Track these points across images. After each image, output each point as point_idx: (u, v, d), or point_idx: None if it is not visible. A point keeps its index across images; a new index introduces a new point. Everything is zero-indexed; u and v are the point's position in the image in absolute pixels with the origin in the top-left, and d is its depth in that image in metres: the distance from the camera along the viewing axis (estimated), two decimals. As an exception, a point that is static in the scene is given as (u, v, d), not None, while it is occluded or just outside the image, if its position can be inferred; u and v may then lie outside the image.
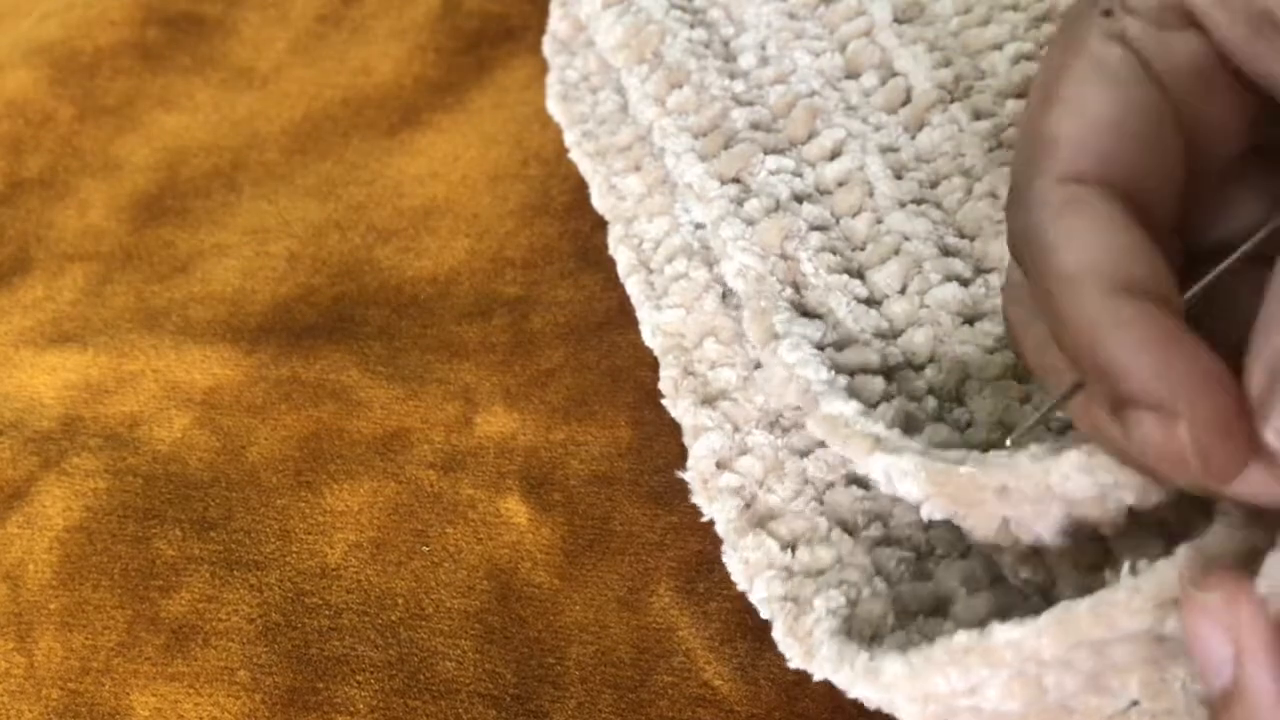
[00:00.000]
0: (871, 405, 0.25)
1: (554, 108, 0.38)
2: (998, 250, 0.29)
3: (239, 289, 0.37)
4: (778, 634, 0.24)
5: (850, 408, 0.24)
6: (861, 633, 0.23)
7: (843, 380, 0.25)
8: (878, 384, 0.25)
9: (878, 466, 0.23)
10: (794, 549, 0.25)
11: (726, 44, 0.36)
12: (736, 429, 0.27)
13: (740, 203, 0.30)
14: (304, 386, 0.33)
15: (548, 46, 0.41)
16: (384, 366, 0.33)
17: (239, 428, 0.33)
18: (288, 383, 0.33)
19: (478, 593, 0.28)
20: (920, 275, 0.28)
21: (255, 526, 0.30)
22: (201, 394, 0.34)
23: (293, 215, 0.39)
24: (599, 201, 0.35)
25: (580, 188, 0.36)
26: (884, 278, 0.29)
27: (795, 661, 0.23)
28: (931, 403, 0.26)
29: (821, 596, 0.23)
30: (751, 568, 0.25)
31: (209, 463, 0.32)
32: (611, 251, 0.34)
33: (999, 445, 0.23)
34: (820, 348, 0.26)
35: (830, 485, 0.26)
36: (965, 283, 0.28)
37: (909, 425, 0.25)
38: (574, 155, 0.37)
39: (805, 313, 0.28)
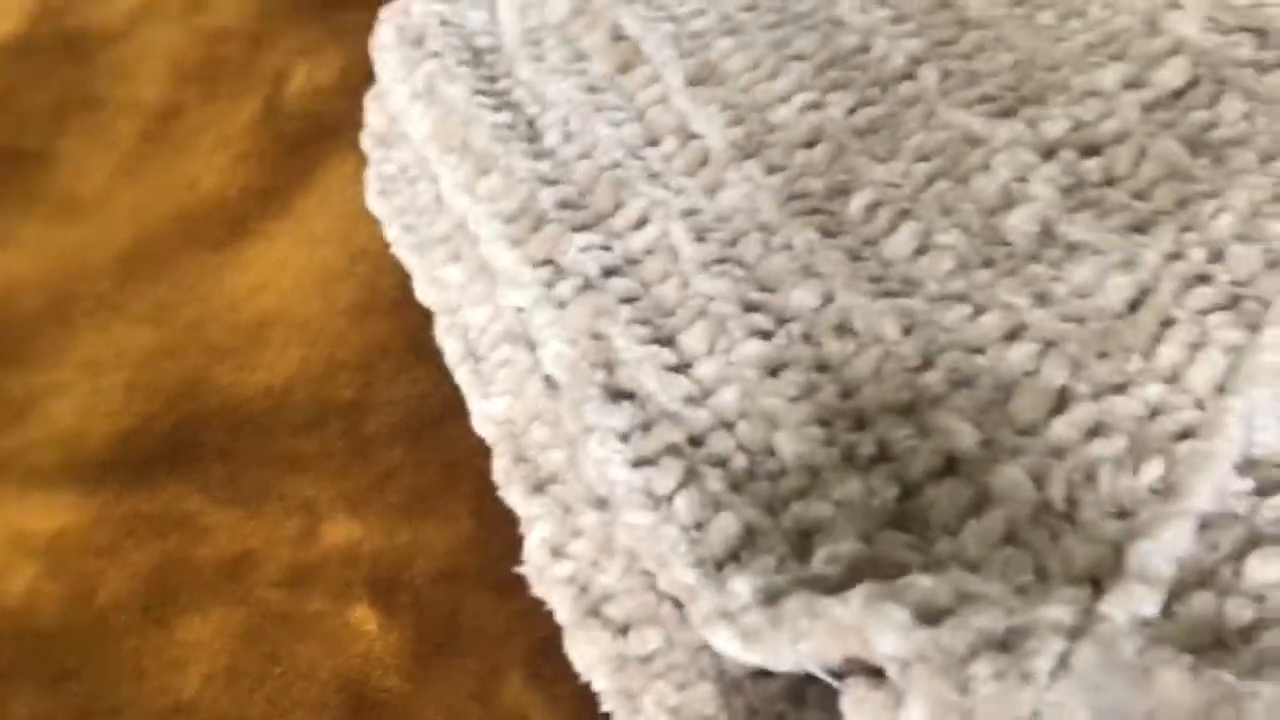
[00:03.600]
0: (667, 497, 0.25)
1: (374, 203, 0.39)
2: (797, 299, 0.29)
3: (77, 428, 0.36)
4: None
5: (645, 519, 0.24)
6: None
7: (640, 479, 0.25)
8: (677, 470, 0.26)
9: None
10: (627, 632, 0.25)
11: (532, 124, 0.36)
12: (568, 511, 0.28)
13: (552, 285, 0.31)
14: (148, 521, 0.33)
15: (366, 142, 0.41)
16: (225, 489, 0.33)
17: (86, 571, 0.32)
18: (131, 519, 0.33)
19: (331, 708, 0.28)
20: (725, 334, 0.29)
21: (109, 672, 0.30)
22: (46, 541, 0.33)
23: (127, 344, 0.39)
24: (423, 294, 0.35)
25: (408, 281, 0.37)
26: (692, 340, 0.29)
27: None
28: (742, 460, 0.26)
29: (650, 693, 0.24)
30: (587, 661, 0.25)
31: (58, 612, 0.32)
32: (439, 343, 0.34)
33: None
34: (627, 436, 0.27)
35: (656, 557, 0.26)
36: (767, 335, 0.29)
37: (704, 510, 0.25)
38: (396, 249, 0.37)
39: (618, 393, 0.28)
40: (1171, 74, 0.32)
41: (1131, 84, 0.32)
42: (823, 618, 0.21)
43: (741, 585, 0.23)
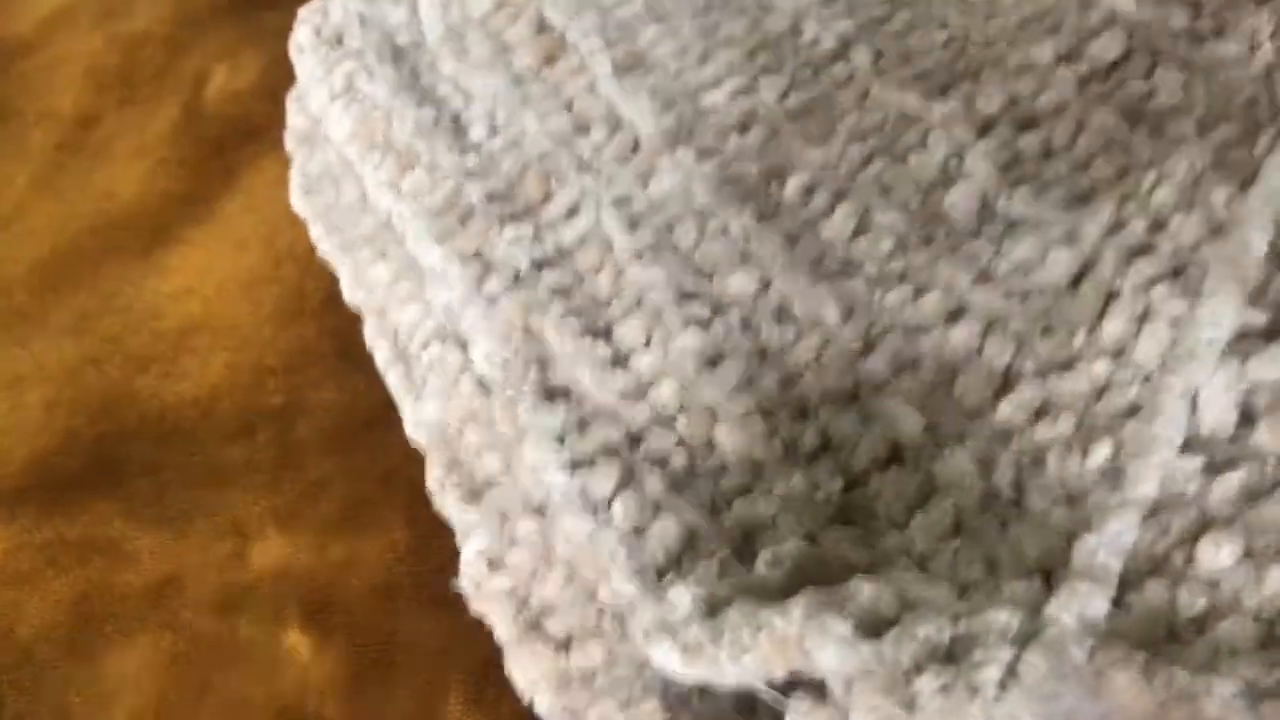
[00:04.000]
0: (605, 501, 0.24)
1: (298, 204, 0.37)
2: (735, 285, 0.29)
3: (-5, 449, 0.35)
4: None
5: (582, 526, 0.23)
6: None
7: (577, 483, 0.24)
8: (615, 472, 0.25)
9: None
10: (569, 647, 0.24)
11: (456, 118, 0.35)
12: (505, 519, 0.27)
13: (481, 280, 0.30)
14: (69, 546, 0.32)
15: (288, 143, 0.40)
16: (150, 508, 0.32)
17: (6, 603, 0.31)
18: (52, 545, 0.32)
19: (265, 737, 0.27)
20: (662, 325, 0.28)
21: (32, 709, 0.29)
22: (-36, 572, 0.32)
23: (48, 358, 0.37)
24: (350, 295, 0.34)
25: (336, 283, 0.35)
26: (628, 332, 0.28)
27: None
28: (683, 458, 0.26)
29: (594, 711, 0.23)
30: (528, 679, 0.24)
31: (-22, 646, 0.30)
32: (369, 345, 0.33)
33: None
34: (563, 437, 0.26)
35: (598, 565, 0.25)
36: (706, 325, 0.28)
37: (644, 514, 0.24)
38: (322, 250, 0.36)
39: (553, 391, 0.27)
40: (1106, 46, 0.32)
41: (1067, 57, 0.32)
42: (764, 629, 0.20)
43: (681, 596, 0.22)
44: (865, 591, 0.20)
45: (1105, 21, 0.32)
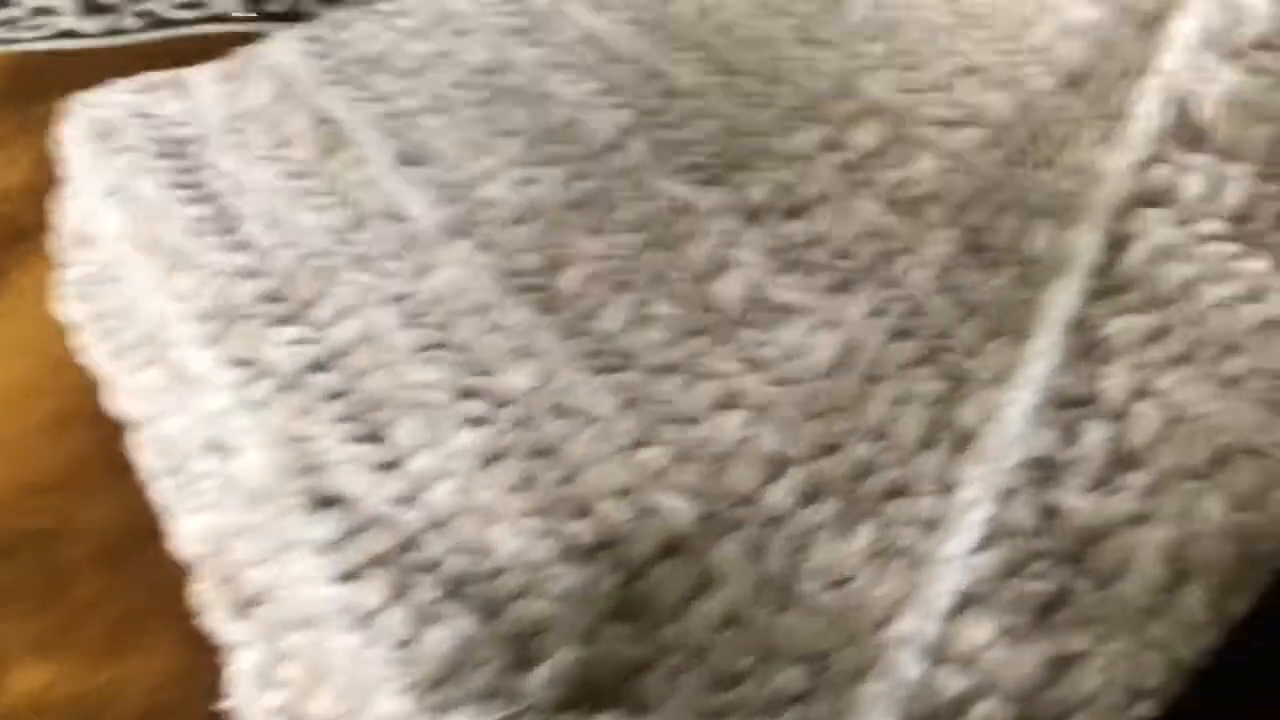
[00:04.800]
0: (375, 613, 0.24)
1: (69, 308, 0.36)
2: (514, 381, 0.28)
3: None
4: None
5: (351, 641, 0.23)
6: None
7: (346, 595, 0.24)
8: (386, 581, 0.24)
9: None
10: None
11: (231, 215, 0.34)
12: (276, 634, 0.26)
13: (249, 386, 0.29)
14: None
15: (59, 243, 0.38)
16: (-104, 643, 0.29)
17: None
18: None
19: None
20: (439, 425, 0.28)
21: None
22: None
23: None
24: (121, 404, 0.32)
25: (107, 392, 0.34)
26: (403, 434, 0.28)
27: None
28: (458, 562, 0.25)
29: None
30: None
31: None
32: (137, 455, 0.31)
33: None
34: (331, 548, 0.25)
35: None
36: (484, 423, 0.28)
37: (415, 625, 0.24)
38: (92, 357, 0.34)
39: (323, 500, 0.26)
40: (866, 135, 0.33)
41: (829, 146, 0.33)
42: None
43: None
44: None
45: (865, 110, 0.34)
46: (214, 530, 0.28)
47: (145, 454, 0.31)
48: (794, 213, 0.31)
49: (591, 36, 0.39)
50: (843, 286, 0.29)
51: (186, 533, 0.29)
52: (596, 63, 0.38)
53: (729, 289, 0.29)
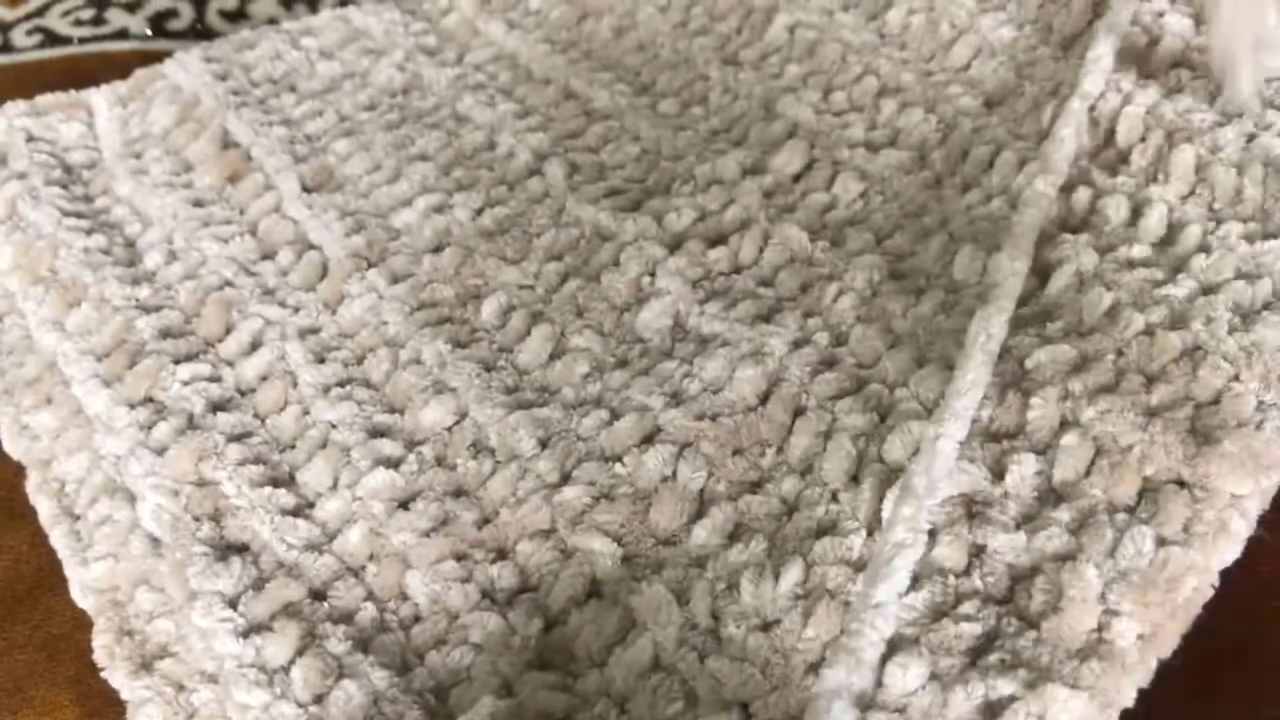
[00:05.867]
0: (283, 669, 0.23)
1: (-43, 345, 0.34)
2: (428, 419, 0.27)
3: None
4: None
5: (257, 698, 0.22)
6: None
7: (251, 651, 0.23)
8: (295, 634, 0.23)
9: None
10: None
11: (131, 244, 0.33)
12: (181, 689, 0.24)
13: (150, 428, 0.27)
14: None
15: (-52, 274, 0.36)
16: None
17: None
18: None
19: None
20: (350, 465, 0.26)
21: None
22: None
23: None
24: (11, 445, 0.31)
25: (-1, 432, 0.32)
26: (313, 476, 0.27)
27: None
28: (371, 611, 0.24)
29: None
30: None
31: None
32: (32, 501, 0.30)
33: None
34: (236, 600, 0.24)
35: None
36: (396, 464, 0.26)
37: (325, 680, 0.23)
38: (-18, 397, 0.32)
39: (228, 548, 0.25)
40: (789, 158, 0.32)
41: (751, 170, 0.32)
42: None
43: None
44: None
45: (788, 132, 0.33)
46: (115, 580, 0.26)
47: (39, 499, 0.29)
48: (716, 240, 0.31)
49: (504, 55, 0.38)
50: (766, 316, 0.28)
51: (84, 582, 0.27)
52: (510, 83, 0.37)
53: (651, 319, 0.29)
